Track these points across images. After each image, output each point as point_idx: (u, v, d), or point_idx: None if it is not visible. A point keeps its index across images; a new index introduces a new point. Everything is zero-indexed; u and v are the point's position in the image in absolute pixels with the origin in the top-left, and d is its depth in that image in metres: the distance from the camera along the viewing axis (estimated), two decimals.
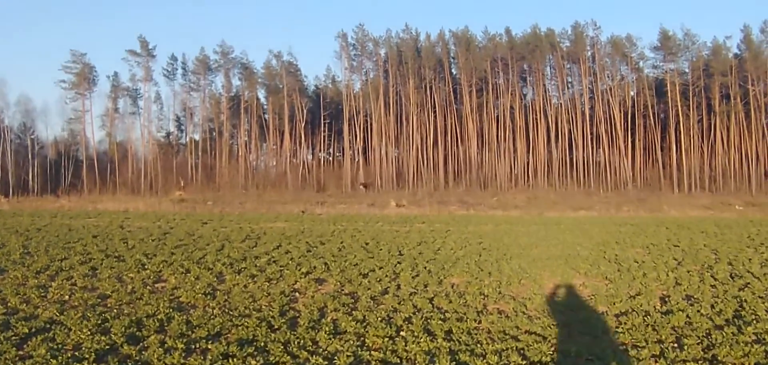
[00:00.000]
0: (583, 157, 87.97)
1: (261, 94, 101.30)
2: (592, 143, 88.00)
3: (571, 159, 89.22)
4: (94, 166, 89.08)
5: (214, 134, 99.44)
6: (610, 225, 32.72)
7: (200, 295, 12.10)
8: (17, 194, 76.89)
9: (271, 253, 18.86)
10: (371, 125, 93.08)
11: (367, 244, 22.33)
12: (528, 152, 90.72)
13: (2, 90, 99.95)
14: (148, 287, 13.09)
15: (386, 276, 14.49)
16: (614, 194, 67.76)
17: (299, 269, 15.13)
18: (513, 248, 21.72)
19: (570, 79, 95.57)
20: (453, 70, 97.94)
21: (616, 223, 34.61)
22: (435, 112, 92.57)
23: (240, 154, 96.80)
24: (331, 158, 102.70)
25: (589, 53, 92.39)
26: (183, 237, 23.96)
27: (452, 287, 13.43)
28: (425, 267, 16.08)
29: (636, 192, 70.25)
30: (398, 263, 16.90)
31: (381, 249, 20.42)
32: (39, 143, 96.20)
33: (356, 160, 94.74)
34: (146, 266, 15.52)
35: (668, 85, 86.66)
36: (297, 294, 12.56)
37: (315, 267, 15.60)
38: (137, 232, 26.68)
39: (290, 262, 16.50)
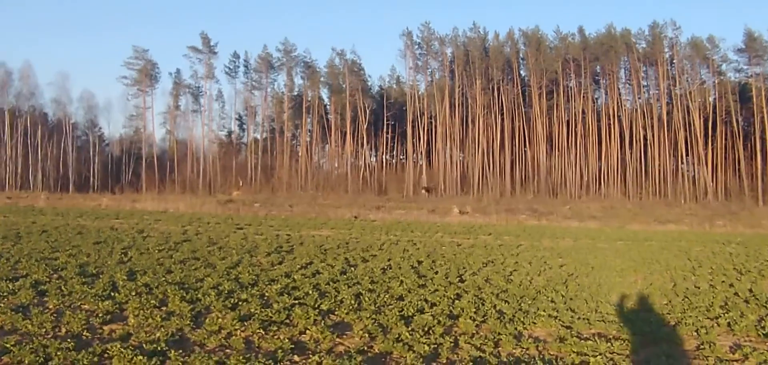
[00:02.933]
0: (659, 165, 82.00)
1: (324, 93, 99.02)
2: (669, 151, 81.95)
3: (646, 167, 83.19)
4: (153, 164, 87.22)
5: (275, 133, 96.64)
6: (711, 244, 27.77)
7: (161, 343, 8.09)
8: (77, 190, 75.79)
9: (295, 274, 14.81)
10: (436, 127, 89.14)
11: (420, 263, 18.19)
12: (599, 158, 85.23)
13: (65, 85, 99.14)
14: (91, 328, 9.12)
15: (438, 321, 10.02)
16: (698, 206, 62.03)
17: (318, 306, 10.90)
18: (604, 272, 17.31)
19: (646, 83, 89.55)
20: (522, 72, 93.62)
21: (717, 241, 29.67)
22: (502, 114, 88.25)
23: (301, 154, 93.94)
24: (393, 161, 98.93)
25: (668, 55, 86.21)
26: (200, 247, 20.18)
27: (537, 346, 9.04)
28: (494, 306, 11.64)
29: (724, 204, 64.30)
30: (457, 297, 12.59)
31: (436, 272, 16.23)
32: (104, 140, 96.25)
33: (419, 163, 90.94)
34: (115, 293, 11.44)
35: (753, 90, 79.98)
36: (296, 355, 8.26)
37: (342, 302, 11.32)
38: (154, 238, 23.09)
39: (311, 291, 12.30)
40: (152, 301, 10.80)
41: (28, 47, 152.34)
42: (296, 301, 11.33)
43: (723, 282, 16.07)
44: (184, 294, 11.35)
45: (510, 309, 11.45)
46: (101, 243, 20.33)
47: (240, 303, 10.95)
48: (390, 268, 16.85)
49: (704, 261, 20.85)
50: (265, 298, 11.65)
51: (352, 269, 16.43)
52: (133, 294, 11.37)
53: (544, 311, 11.26)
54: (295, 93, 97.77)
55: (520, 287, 14.43)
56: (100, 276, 13.43)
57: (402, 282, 14.19)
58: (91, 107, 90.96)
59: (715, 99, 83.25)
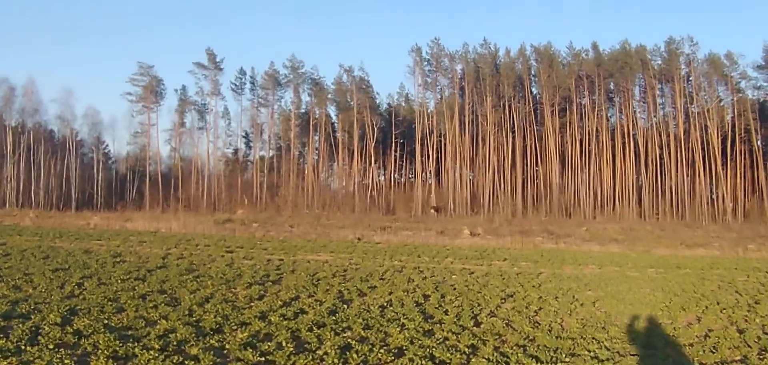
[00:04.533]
0: (676, 185, 79.13)
1: (331, 111, 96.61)
2: (686, 170, 79.07)
3: (662, 187, 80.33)
4: (158, 182, 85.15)
5: (282, 151, 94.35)
6: (751, 272, 24.74)
7: None
8: (80, 208, 73.80)
9: (273, 315, 12.13)
10: (445, 145, 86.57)
11: (426, 298, 15.45)
12: (613, 177, 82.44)
13: (69, 101, 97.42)
14: None
15: None
16: (722, 228, 59.13)
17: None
18: (646, 310, 14.54)
19: (662, 100, 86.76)
20: (534, 89, 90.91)
21: (756, 267, 26.67)
22: (513, 132, 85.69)
23: (307, 172, 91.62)
24: (402, 180, 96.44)
25: (684, 72, 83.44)
26: (174, 276, 17.40)
27: None
28: None
29: (749, 226, 61.25)
30: (472, 351, 9.90)
31: (446, 312, 13.49)
32: (110, 158, 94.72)
33: (428, 182, 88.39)
34: (29, 346, 8.80)
35: None
36: None
37: (322, 360, 8.69)
38: (128, 263, 20.47)
39: (286, 343, 9.62)
40: (67, 361, 8.16)
41: (31, 63, 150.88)
42: (262, 359, 8.67)
43: None
44: (118, 349, 8.75)
45: None
46: (61, 270, 17.72)
47: (185, 363, 8.30)
48: (390, 305, 14.15)
49: (756, 294, 18.05)
50: (224, 353, 9.01)
51: (345, 306, 13.74)
52: (52, 347, 8.76)
53: None
54: (303, 110, 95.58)
55: (550, 333, 11.72)
56: (31, 318, 10.83)
57: (403, 326, 11.54)
58: (96, 124, 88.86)
59: (733, 117, 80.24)
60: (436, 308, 13.93)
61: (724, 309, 15.21)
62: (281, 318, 11.77)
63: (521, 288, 18.11)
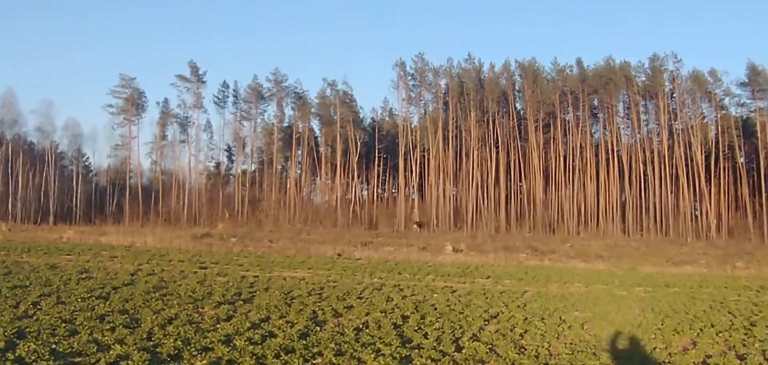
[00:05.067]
0: (660, 201, 78.78)
1: (315, 125, 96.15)
2: (670, 187, 78.72)
3: (646, 203, 79.96)
4: (138, 195, 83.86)
5: (265, 165, 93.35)
6: (742, 291, 23.92)
7: None
8: (59, 221, 72.55)
9: (239, 339, 11.23)
10: (428, 160, 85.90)
11: (405, 319, 14.56)
12: (597, 193, 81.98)
13: (49, 113, 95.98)
14: None
15: None
16: (707, 245, 58.63)
17: None
18: (639, 332, 13.79)
19: (646, 117, 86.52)
20: (518, 104, 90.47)
21: (746, 286, 25.88)
22: (497, 148, 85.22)
23: (289, 187, 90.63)
24: (385, 195, 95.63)
25: (668, 88, 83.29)
26: (139, 294, 16.38)
27: None
28: None
29: (735, 243, 60.91)
30: None
31: (426, 335, 12.63)
32: (91, 170, 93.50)
33: (411, 197, 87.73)
34: None
35: (757, 124, 76.94)
36: None
37: None
38: (95, 280, 19.46)
39: None
40: None
41: (10, 74, 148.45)
42: None
43: None
44: None
45: None
46: (20, 288, 16.73)
47: None
48: (366, 327, 13.26)
49: (750, 315, 17.26)
50: None
51: (318, 329, 12.82)
52: None
53: None
54: (286, 124, 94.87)
55: (537, 359, 10.91)
56: None
57: (379, 351, 10.70)
58: (76, 136, 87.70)
59: (717, 134, 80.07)
60: (415, 330, 13.07)
61: (720, 331, 14.42)
62: (247, 343, 10.88)
63: (505, 308, 17.28)
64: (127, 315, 13.26)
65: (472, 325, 14.04)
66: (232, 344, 10.83)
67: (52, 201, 79.53)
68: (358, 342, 11.61)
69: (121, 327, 11.80)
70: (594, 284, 25.55)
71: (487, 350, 11.45)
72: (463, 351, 11.38)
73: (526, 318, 15.42)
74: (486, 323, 14.59)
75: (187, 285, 19.29)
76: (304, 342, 11.23)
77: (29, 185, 79.13)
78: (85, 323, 12.03)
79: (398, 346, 11.29)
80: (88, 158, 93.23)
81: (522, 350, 11.68)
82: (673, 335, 13.81)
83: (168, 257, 29.83)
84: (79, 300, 15.09)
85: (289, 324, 13.07)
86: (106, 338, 10.82)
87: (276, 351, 10.42)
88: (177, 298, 16.13)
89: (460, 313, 15.83)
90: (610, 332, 13.97)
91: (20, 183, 77.55)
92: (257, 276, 23.16)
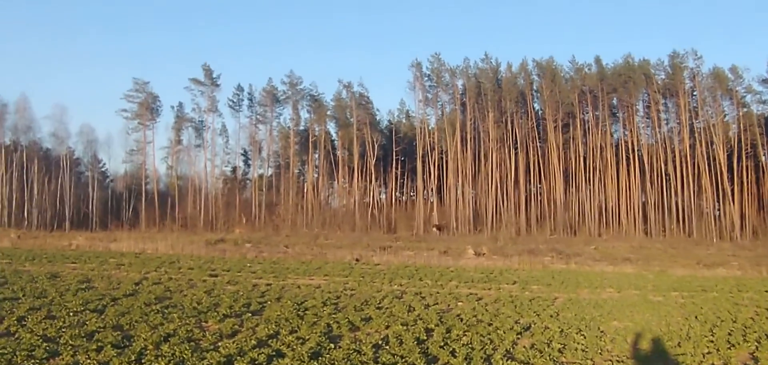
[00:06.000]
0: (682, 202, 76.92)
1: (331, 128, 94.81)
2: (692, 187, 76.78)
3: (667, 203, 78.08)
4: (154, 201, 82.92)
5: (281, 169, 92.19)
6: None
7: None
8: (75, 227, 71.83)
9: (241, 360, 9.93)
10: (447, 162, 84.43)
11: (429, 333, 13.22)
12: (618, 194, 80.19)
13: (63, 118, 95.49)
14: None
15: None
16: (734, 246, 57.00)
17: None
18: (689, 347, 12.31)
19: (666, 115, 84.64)
20: (536, 104, 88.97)
21: None
22: (516, 148, 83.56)
23: (306, 191, 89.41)
24: (403, 198, 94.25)
25: (689, 86, 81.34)
26: (139, 306, 15.14)
27: None
28: None
29: (764, 243, 59.08)
30: None
31: (454, 353, 11.23)
32: (107, 176, 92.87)
33: (430, 200, 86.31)
34: None
35: None
36: None
37: None
38: (95, 290, 18.30)
39: None
40: None
41: (23, 79, 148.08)
42: None
43: None
44: None
45: None
46: (10, 300, 15.50)
47: None
48: (387, 343, 11.91)
49: None
50: None
51: (332, 346, 11.47)
52: None
53: None
54: (302, 127, 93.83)
55: None
56: None
57: None
58: (91, 142, 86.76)
59: (738, 132, 78.09)
60: (440, 346, 11.66)
61: None
62: (250, 364, 9.54)
63: (537, 317, 15.90)
64: (120, 332, 11.97)
65: (503, 339, 12.65)
66: None
67: (68, 208, 78.71)
68: (377, 362, 10.25)
69: (109, 346, 10.51)
70: (626, 289, 24.10)
71: None
72: None
73: (562, 330, 14.03)
74: (519, 336, 13.20)
75: (194, 295, 18.05)
76: (315, 363, 9.85)
77: (44, 191, 78.35)
78: (69, 342, 10.79)
79: None
80: (104, 164, 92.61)
81: None
82: (728, 348, 12.35)
83: (178, 264, 28.67)
84: (71, 314, 13.84)
85: (300, 341, 11.74)
86: (90, 360, 9.52)
87: None
88: (179, 311, 14.88)
89: (489, 325, 14.46)
90: (657, 346, 12.53)
91: (35, 190, 76.79)
92: (270, 284, 21.95)
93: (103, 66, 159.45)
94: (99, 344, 10.68)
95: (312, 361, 9.93)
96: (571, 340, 12.78)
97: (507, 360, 10.59)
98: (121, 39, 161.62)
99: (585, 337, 13.12)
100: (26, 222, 73.01)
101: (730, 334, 13.87)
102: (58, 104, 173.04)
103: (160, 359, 9.62)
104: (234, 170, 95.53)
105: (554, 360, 10.82)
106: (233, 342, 11.33)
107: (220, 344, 11.20)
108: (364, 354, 10.70)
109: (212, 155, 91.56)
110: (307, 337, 12.03)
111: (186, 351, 10.18)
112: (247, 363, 9.58)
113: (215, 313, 14.66)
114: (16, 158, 76.41)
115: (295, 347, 11.12)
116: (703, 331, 14.26)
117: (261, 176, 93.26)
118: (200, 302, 16.46)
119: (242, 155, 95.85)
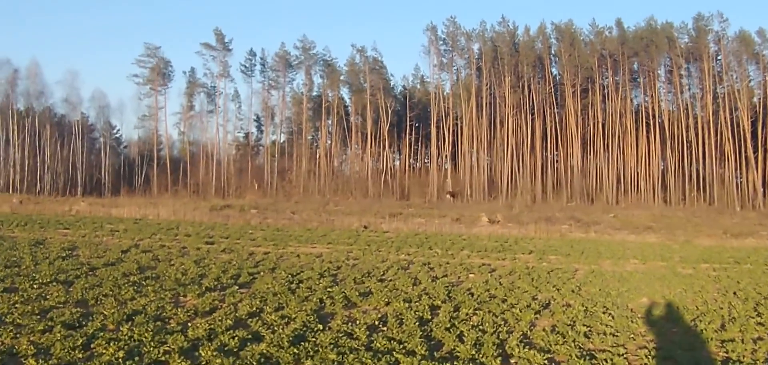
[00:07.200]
0: (703, 168, 74.95)
1: (344, 93, 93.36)
2: (715, 154, 74.68)
3: (689, 171, 76.13)
4: (166, 167, 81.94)
5: (294, 135, 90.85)
6: None
7: None
8: (88, 193, 71.20)
9: (207, 346, 8.26)
10: (461, 128, 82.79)
11: (434, 311, 11.62)
12: (637, 161, 78.27)
13: (74, 84, 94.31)
14: None
15: None
16: (760, 214, 55.11)
17: None
18: (734, 329, 10.66)
19: (688, 81, 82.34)
20: (554, 69, 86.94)
21: None
22: (533, 114, 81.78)
23: (319, 157, 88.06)
24: (417, 164, 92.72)
25: (713, 50, 78.93)
26: (118, 277, 13.65)
27: None
28: None
29: None
30: None
31: (461, 337, 9.58)
32: (121, 142, 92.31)
33: (444, 167, 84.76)
34: None
35: None
36: None
37: None
38: (79, 257, 17.00)
39: None
40: None
41: (33, 44, 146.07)
42: None
43: None
44: None
45: None
46: None
47: None
48: (384, 324, 10.32)
49: None
50: None
51: (321, 326, 9.86)
52: None
53: None
54: (315, 93, 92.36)
55: None
56: None
57: (396, 364, 7.84)
58: (103, 107, 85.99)
59: (763, 98, 75.67)
60: (446, 329, 10.01)
61: None
62: (216, 352, 7.99)
63: (557, 292, 14.29)
64: (81, 309, 10.44)
65: (520, 319, 11.01)
66: (194, 355, 8.00)
67: (81, 174, 78.08)
68: (370, 348, 8.64)
69: (60, 326, 8.97)
70: (651, 260, 22.46)
71: (545, 361, 8.47)
72: (513, 362, 8.46)
73: (586, 308, 12.36)
74: (537, 316, 11.57)
75: (182, 264, 16.58)
76: (295, 349, 8.27)
77: (57, 157, 77.68)
78: (17, 320, 9.29)
79: (423, 355, 8.37)
80: (118, 130, 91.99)
81: (591, 358, 8.69)
82: None
83: (176, 231, 27.27)
84: (36, 286, 12.33)
85: (285, 321, 10.16)
86: (26, 344, 8.02)
87: (260, 360, 7.68)
88: (159, 283, 13.38)
89: (503, 301, 12.83)
90: (696, 328, 10.91)
91: (48, 155, 76.08)
92: (268, 253, 20.49)
93: (114, 31, 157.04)
94: (49, 323, 9.18)
95: (292, 347, 8.34)
96: (597, 321, 11.09)
97: (524, 347, 8.94)
98: (132, 3, 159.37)
99: (613, 317, 11.47)
100: (39, 188, 72.35)
101: None
102: (70, 69, 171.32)
103: (112, 344, 8.09)
104: (246, 136, 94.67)
105: (580, 347, 9.17)
106: (207, 321, 9.76)
107: (191, 323, 9.67)
108: (355, 338, 9.11)
109: (224, 120, 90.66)
110: (294, 316, 10.45)
111: (146, 334, 8.62)
112: (213, 351, 8.00)
113: (197, 286, 13.13)
114: (29, 124, 75.60)
115: (277, 328, 9.53)
116: (747, 310, 12.60)
117: (274, 143, 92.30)
118: (186, 273, 14.96)
119: (255, 120, 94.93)
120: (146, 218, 34.98)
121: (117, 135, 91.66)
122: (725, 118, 74.30)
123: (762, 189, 72.95)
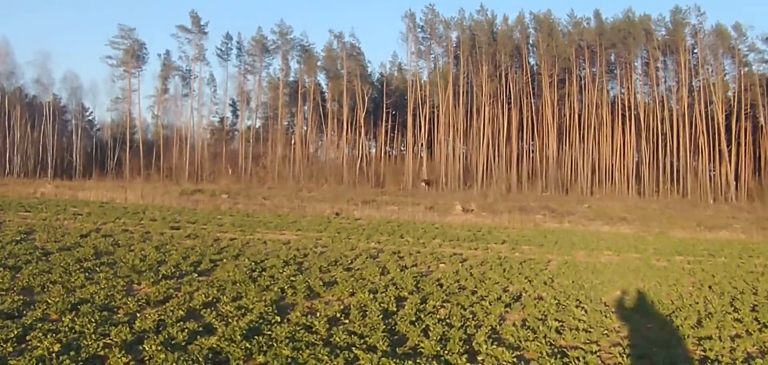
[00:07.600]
0: (678, 162, 75.22)
1: (321, 79, 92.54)
2: (689, 147, 74.94)
3: (662, 163, 76.40)
4: (139, 150, 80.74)
5: (270, 121, 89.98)
6: None
7: None
8: (58, 176, 69.89)
9: (152, 339, 7.65)
10: (438, 116, 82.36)
11: (401, 302, 11.16)
12: (612, 153, 78.41)
13: (46, 64, 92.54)
14: None
15: None
16: (732, 208, 55.31)
17: None
18: (711, 326, 10.27)
19: (664, 74, 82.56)
20: (532, 59, 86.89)
21: None
22: (510, 104, 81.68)
23: (295, 143, 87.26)
24: (393, 152, 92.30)
25: (690, 43, 79.11)
26: (69, 263, 12.95)
27: None
28: None
29: (764, 206, 57.22)
30: None
31: (426, 332, 9.10)
32: (95, 125, 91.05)
33: (420, 155, 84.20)
34: None
35: None
36: None
37: None
38: (38, 240, 16.40)
39: None
40: None
41: (4, 24, 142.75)
42: None
43: None
44: None
45: None
46: None
47: None
48: (347, 316, 9.77)
49: None
50: None
51: (279, 318, 9.30)
52: None
53: None
54: (291, 78, 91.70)
55: None
56: None
57: (354, 361, 7.35)
58: (76, 89, 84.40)
59: (738, 92, 76.01)
60: (411, 322, 9.51)
61: None
62: (161, 347, 7.43)
63: (529, 284, 13.87)
64: (24, 297, 9.80)
65: (489, 313, 10.52)
66: (138, 348, 7.43)
67: (51, 156, 76.70)
68: (328, 343, 8.10)
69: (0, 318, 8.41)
70: (625, 252, 22.17)
71: (514, 358, 7.99)
72: (480, 359, 7.98)
73: (559, 301, 11.93)
74: (507, 309, 11.10)
75: (142, 250, 15.90)
76: (248, 343, 7.71)
77: (27, 138, 76.27)
78: None
79: (384, 349, 7.88)
80: (91, 112, 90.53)
81: (563, 356, 8.25)
82: (760, 330, 10.29)
83: (142, 215, 26.49)
84: None
85: (242, 312, 9.59)
86: None
87: (208, 355, 7.16)
88: (114, 270, 12.73)
89: (473, 293, 12.36)
90: (672, 325, 10.49)
91: (17, 137, 74.63)
92: (234, 239, 19.89)
93: (87, 11, 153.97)
94: None
95: (245, 341, 7.77)
96: (569, 315, 10.66)
97: (492, 343, 8.44)
98: None
99: (586, 312, 11.04)
100: (7, 169, 71.03)
101: (755, 310, 11.90)
102: (41, 49, 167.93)
103: (49, 336, 7.49)
104: (221, 120, 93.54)
105: (551, 344, 8.70)
106: (157, 312, 9.15)
107: (139, 314, 9.08)
108: (314, 332, 8.57)
109: (199, 104, 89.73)
110: (252, 307, 9.87)
111: (89, 326, 8.04)
112: (158, 345, 7.42)
113: (154, 273, 12.48)
114: None
115: (231, 320, 8.95)
116: (724, 306, 12.23)
117: (249, 128, 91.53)
118: (144, 259, 14.31)
119: (230, 105, 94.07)
120: (114, 201, 34.11)
121: (89, 117, 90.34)
122: (700, 111, 74.59)
123: (735, 182, 73.43)
